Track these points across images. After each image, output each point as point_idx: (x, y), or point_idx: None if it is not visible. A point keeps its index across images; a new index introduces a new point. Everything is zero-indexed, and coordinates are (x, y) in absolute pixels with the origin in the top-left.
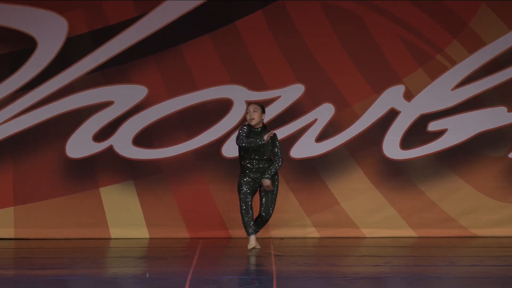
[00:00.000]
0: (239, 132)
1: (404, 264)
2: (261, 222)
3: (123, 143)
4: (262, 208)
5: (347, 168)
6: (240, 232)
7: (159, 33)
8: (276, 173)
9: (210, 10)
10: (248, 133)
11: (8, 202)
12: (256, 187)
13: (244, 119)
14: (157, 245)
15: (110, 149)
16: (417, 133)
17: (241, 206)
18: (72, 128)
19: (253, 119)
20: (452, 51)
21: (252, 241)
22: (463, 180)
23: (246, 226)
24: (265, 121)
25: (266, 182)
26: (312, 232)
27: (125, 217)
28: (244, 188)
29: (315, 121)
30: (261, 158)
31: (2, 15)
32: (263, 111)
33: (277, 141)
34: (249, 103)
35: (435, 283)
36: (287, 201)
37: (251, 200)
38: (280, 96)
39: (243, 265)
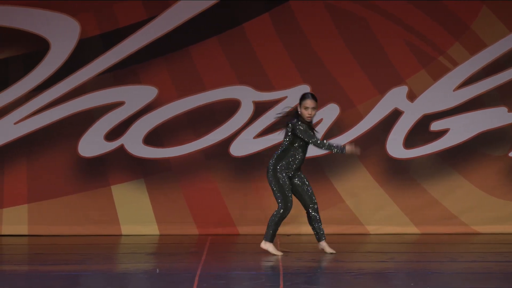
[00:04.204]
0: (306, 131)
1: (407, 260)
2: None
3: (133, 142)
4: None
5: (352, 166)
6: (248, 229)
7: (168, 35)
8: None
9: (218, 12)
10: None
11: (22, 200)
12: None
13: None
14: (167, 242)
15: (121, 148)
16: (420, 132)
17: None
18: (84, 128)
19: (310, 116)
20: (454, 52)
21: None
22: (464, 178)
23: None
24: (272, 120)
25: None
26: None
27: (135, 214)
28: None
29: (320, 121)
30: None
31: (17, 17)
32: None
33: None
34: (305, 96)
35: (437, 278)
36: (294, 198)
37: None
38: (286, 97)
39: (250, 261)
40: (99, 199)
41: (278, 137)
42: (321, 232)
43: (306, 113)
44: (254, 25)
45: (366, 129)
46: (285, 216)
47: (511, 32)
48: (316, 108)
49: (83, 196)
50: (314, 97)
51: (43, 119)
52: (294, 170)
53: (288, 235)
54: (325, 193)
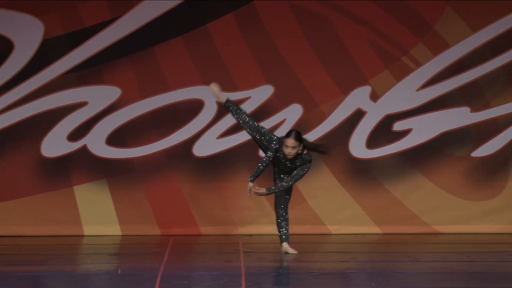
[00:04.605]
0: (271, 149)
1: (369, 260)
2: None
3: (96, 142)
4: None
5: (315, 166)
6: (210, 229)
7: (132, 35)
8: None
9: (183, 12)
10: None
11: None
12: None
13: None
14: (129, 242)
15: (84, 148)
16: (383, 132)
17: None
18: (47, 128)
19: (291, 155)
20: (417, 53)
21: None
22: (427, 178)
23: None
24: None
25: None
26: None
27: (98, 214)
28: None
29: (283, 121)
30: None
31: None
32: (301, 143)
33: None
34: (288, 135)
35: (399, 278)
36: (256, 199)
37: None
38: (250, 97)
39: (212, 261)
40: (62, 199)
41: (240, 137)
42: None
43: (285, 150)
44: (219, 25)
45: (329, 129)
46: None
47: (474, 33)
48: (296, 148)
49: (46, 196)
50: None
51: (6, 119)
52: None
53: (250, 235)
54: None
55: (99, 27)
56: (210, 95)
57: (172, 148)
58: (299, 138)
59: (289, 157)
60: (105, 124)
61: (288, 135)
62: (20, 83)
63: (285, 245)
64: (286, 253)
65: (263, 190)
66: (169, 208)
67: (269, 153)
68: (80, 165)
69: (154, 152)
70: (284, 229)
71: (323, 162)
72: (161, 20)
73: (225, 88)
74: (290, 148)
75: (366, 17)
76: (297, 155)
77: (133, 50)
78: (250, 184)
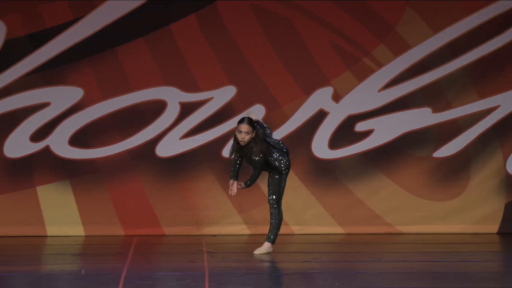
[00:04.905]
0: (232, 144)
1: (332, 260)
2: None
3: (59, 143)
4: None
5: None
6: (174, 230)
7: (95, 35)
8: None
9: (145, 13)
10: (237, 145)
11: None
12: None
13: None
14: (92, 243)
15: (47, 149)
16: (345, 133)
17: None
18: (10, 129)
19: (244, 141)
20: (379, 54)
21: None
22: (389, 179)
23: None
24: (198, 121)
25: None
26: (243, 229)
27: (61, 215)
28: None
29: None
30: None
31: None
32: (254, 129)
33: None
34: (241, 121)
35: (362, 278)
36: (219, 199)
37: None
38: (212, 98)
39: (176, 261)
40: (25, 200)
41: (203, 137)
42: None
43: (238, 136)
44: (181, 26)
45: (292, 130)
46: None
47: (435, 34)
48: (249, 133)
49: (9, 197)
50: (249, 122)
51: None
52: None
53: (213, 235)
54: (250, 193)
55: (61, 27)
56: (173, 95)
57: (135, 149)
58: (252, 124)
59: (242, 143)
60: (68, 125)
61: (241, 121)
62: None
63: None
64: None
65: (242, 185)
66: (132, 208)
67: (233, 144)
68: (43, 166)
69: (117, 153)
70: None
71: None
72: (123, 21)
73: (188, 89)
74: (244, 133)
75: (327, 19)
76: (255, 144)
77: (95, 51)
78: (231, 181)
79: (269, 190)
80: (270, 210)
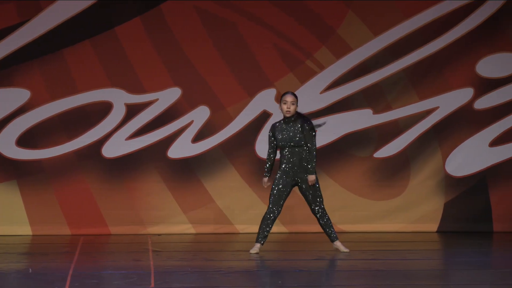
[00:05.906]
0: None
1: (275, 258)
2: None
3: (6, 144)
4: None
5: (222, 167)
6: (120, 229)
7: (41, 38)
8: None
9: (91, 16)
10: (276, 128)
11: None
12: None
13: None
14: (39, 242)
15: None
16: None
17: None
18: None
19: (289, 111)
20: (321, 56)
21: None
22: (331, 179)
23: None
24: (144, 122)
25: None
26: (188, 228)
27: (8, 215)
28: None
29: (191, 122)
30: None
31: None
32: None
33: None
34: (285, 93)
35: (305, 276)
36: (164, 199)
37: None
38: (158, 99)
39: (122, 260)
40: None
41: (149, 138)
42: (333, 234)
43: (284, 107)
44: (126, 28)
45: (236, 131)
46: None
47: (376, 36)
48: (295, 103)
49: None
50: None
51: None
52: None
53: (158, 234)
54: (195, 193)
55: (7, 30)
56: (119, 97)
57: (81, 149)
58: (296, 96)
59: (288, 114)
60: (15, 126)
61: (285, 93)
62: None
63: (337, 243)
64: (338, 249)
65: (312, 178)
66: (79, 208)
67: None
68: None
69: (63, 154)
70: (328, 229)
71: (230, 163)
72: (69, 23)
73: (133, 90)
74: (290, 103)
75: (270, 21)
76: (298, 115)
77: (42, 53)
78: (265, 179)
79: (317, 200)
80: (318, 216)
